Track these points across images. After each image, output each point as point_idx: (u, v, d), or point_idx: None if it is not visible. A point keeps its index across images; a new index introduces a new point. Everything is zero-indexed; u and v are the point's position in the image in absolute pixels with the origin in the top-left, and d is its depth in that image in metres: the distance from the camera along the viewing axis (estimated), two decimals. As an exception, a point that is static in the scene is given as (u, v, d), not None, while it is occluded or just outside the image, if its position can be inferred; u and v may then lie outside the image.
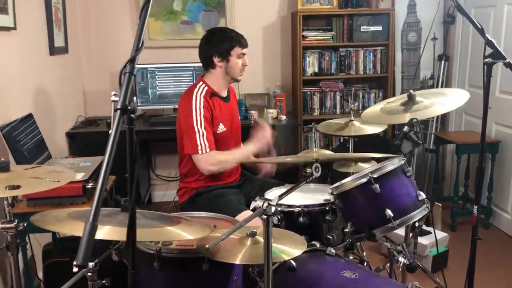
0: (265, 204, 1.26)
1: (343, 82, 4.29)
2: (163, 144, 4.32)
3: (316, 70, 4.21)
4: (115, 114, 1.01)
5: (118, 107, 0.99)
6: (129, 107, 1.00)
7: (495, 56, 1.74)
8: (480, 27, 1.76)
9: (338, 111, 4.29)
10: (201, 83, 2.48)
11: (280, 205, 2.17)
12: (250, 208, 1.30)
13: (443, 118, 4.31)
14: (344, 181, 1.96)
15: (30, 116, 2.51)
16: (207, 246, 1.20)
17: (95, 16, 4.07)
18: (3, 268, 2.37)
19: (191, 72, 3.93)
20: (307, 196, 2.30)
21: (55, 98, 3.30)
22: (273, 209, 1.25)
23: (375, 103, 4.29)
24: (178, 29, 4.11)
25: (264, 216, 1.27)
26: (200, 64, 3.80)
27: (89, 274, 1.43)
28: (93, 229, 0.86)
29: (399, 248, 2.04)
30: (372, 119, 2.33)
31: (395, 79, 4.25)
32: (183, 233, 1.56)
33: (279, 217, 2.17)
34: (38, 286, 2.65)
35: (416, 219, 1.90)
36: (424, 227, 3.14)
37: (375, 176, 1.87)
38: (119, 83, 1.07)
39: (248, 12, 4.19)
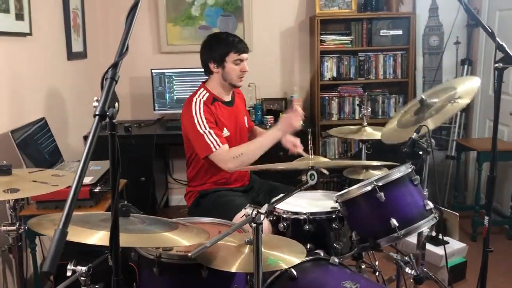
0: (254, 212, 1.23)
1: (362, 87, 4.22)
2: (180, 148, 4.31)
3: (335, 75, 4.15)
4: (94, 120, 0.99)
5: (96, 113, 0.98)
6: (107, 113, 0.98)
7: (506, 60, 1.67)
8: (490, 30, 1.70)
9: (357, 116, 4.22)
10: (202, 89, 2.46)
11: (286, 212, 2.14)
12: (240, 216, 1.26)
13: (466, 125, 4.19)
14: (349, 188, 1.92)
15: (42, 119, 2.55)
16: (189, 254, 1.18)
17: (114, 21, 4.12)
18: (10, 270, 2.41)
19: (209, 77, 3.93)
20: (315, 203, 2.26)
21: (73, 102, 3.36)
22: (262, 217, 1.23)
23: (395, 108, 4.21)
24: (196, 34, 4.13)
25: (254, 224, 1.25)
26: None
27: (82, 278, 1.43)
28: (62, 236, 0.85)
29: (406, 258, 1.97)
30: (392, 137, 2.25)
31: (416, 84, 4.15)
32: (179, 240, 1.55)
33: (285, 224, 2.15)
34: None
35: (423, 229, 1.84)
36: (440, 236, 3.04)
37: (380, 184, 1.82)
38: (101, 88, 1.06)
39: (266, 16, 4.18)
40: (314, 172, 1.39)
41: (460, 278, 2.94)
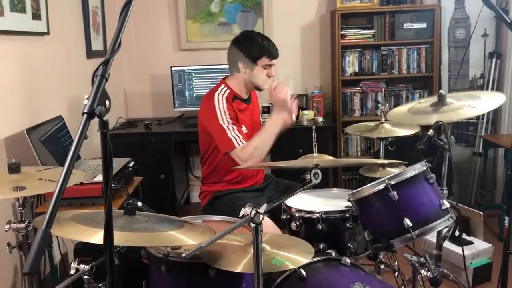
0: (253, 212, 1.20)
1: (385, 82, 4.12)
2: (201, 145, 4.34)
3: (357, 70, 4.07)
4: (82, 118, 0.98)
5: (85, 111, 0.97)
6: (96, 112, 0.97)
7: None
8: (509, 21, 1.61)
9: (380, 112, 4.11)
10: (222, 85, 2.44)
11: (299, 210, 2.10)
12: (240, 215, 1.23)
13: (495, 120, 4.03)
14: (361, 187, 1.86)
15: (59, 118, 2.58)
16: (183, 254, 1.15)
17: (135, 20, 4.15)
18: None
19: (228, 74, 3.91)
20: (329, 202, 2.21)
21: (92, 100, 3.39)
22: (261, 217, 1.19)
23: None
24: (215, 30, 4.12)
25: (253, 225, 1.21)
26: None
27: (86, 277, 1.43)
28: (45, 237, 0.84)
29: (422, 260, 1.90)
30: (398, 118, 2.21)
31: (441, 78, 4.02)
32: (184, 238, 1.53)
33: (297, 223, 2.11)
34: (68, 286, 2.72)
35: (438, 229, 1.77)
36: (465, 236, 2.94)
37: (393, 182, 1.76)
38: (91, 85, 1.05)
39: (286, 12, 4.12)
40: (318, 171, 1.35)
41: (485, 279, 2.83)
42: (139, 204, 2.00)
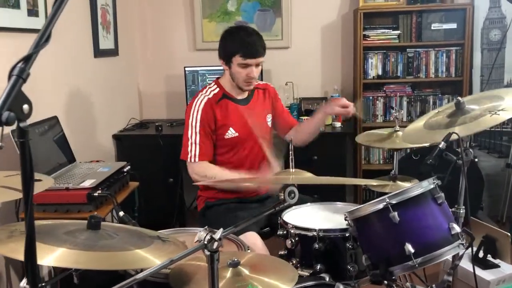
0: (207, 237, 1.02)
1: (411, 86, 3.85)
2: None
3: (380, 73, 3.82)
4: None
5: (-12, 116, 0.81)
6: (1, 118, 0.81)
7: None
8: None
9: (405, 118, 3.85)
10: (212, 84, 2.29)
11: (294, 227, 1.91)
12: (195, 241, 1.06)
13: (531, 129, 3.70)
14: (360, 205, 1.66)
15: (54, 118, 2.48)
16: (134, 277, 0.99)
17: (151, 19, 4.05)
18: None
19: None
20: (330, 218, 2.01)
21: (100, 100, 3.30)
22: (215, 244, 1.01)
23: (448, 110, 3.79)
24: (232, 30, 3.95)
25: (207, 253, 1.04)
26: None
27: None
28: None
29: (429, 290, 1.67)
30: (413, 137, 1.96)
31: (472, 83, 3.72)
32: (148, 259, 1.36)
33: (293, 240, 1.92)
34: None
35: (445, 258, 1.54)
36: (490, 258, 2.66)
37: (394, 202, 1.55)
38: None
39: (306, 10, 3.92)
40: (295, 189, 1.16)
41: (511, 308, 2.55)
42: (121, 214, 1.87)
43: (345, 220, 1.69)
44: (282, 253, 2.00)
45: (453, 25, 3.63)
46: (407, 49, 3.76)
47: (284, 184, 1.16)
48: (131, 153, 3.55)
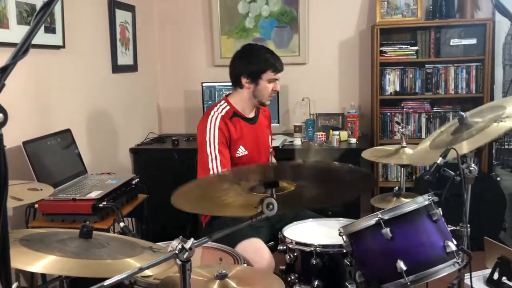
0: (179, 247, 1.03)
1: (429, 102, 3.78)
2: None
3: (398, 89, 3.77)
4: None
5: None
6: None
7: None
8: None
9: (423, 135, 3.79)
10: (222, 102, 2.32)
11: (293, 242, 1.90)
12: (168, 250, 1.07)
13: (557, 148, 3.56)
14: (354, 221, 1.63)
15: (67, 131, 2.55)
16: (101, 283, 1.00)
17: (171, 35, 4.15)
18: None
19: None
20: (331, 234, 1.98)
21: (117, 114, 3.38)
22: (186, 254, 1.02)
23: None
24: (249, 46, 4.00)
25: (179, 262, 1.05)
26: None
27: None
28: None
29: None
30: (420, 158, 1.94)
31: (494, 99, 3.62)
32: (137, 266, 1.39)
33: (292, 255, 1.91)
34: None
35: (439, 276, 1.49)
36: (505, 281, 2.55)
37: (386, 217, 1.52)
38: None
39: (323, 26, 3.93)
40: (273, 201, 1.16)
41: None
42: (122, 224, 1.90)
43: (339, 235, 1.67)
44: (282, 268, 1.99)
45: (473, 41, 3.57)
46: (426, 65, 3.72)
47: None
48: (147, 166, 3.62)
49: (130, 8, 3.56)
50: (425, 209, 1.55)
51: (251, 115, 2.36)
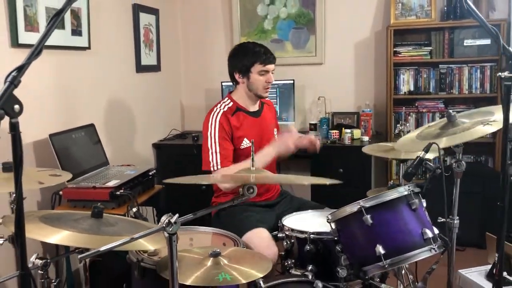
0: (166, 221, 1.20)
1: (443, 102, 3.84)
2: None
3: (412, 88, 3.85)
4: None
5: (-18, 113, 1.04)
6: (-5, 114, 1.04)
7: (513, 68, 1.41)
8: (494, 32, 1.45)
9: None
10: (226, 99, 2.48)
11: (290, 229, 2.04)
12: (158, 225, 1.24)
13: None
14: (339, 208, 1.77)
15: (91, 126, 2.78)
16: (78, 256, 1.18)
17: (194, 37, 4.35)
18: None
19: (275, 90, 3.92)
20: (326, 223, 2.11)
21: (140, 111, 3.61)
22: (172, 227, 1.19)
23: (482, 126, 3.74)
24: (268, 47, 4.13)
25: (166, 234, 1.22)
26: (286, 82, 3.68)
27: (40, 272, 1.52)
28: None
29: (405, 293, 1.74)
30: (407, 146, 2.05)
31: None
32: (141, 243, 1.56)
33: (288, 242, 2.05)
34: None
35: (415, 260, 1.60)
36: (505, 275, 2.61)
37: (367, 205, 1.65)
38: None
39: (339, 28, 4.04)
40: (253, 186, 1.31)
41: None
42: (134, 210, 2.10)
43: (327, 222, 1.80)
44: (281, 253, 2.14)
45: (487, 41, 3.61)
46: (440, 65, 3.78)
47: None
48: (168, 161, 3.83)
49: (154, 12, 3.78)
50: (405, 199, 1.67)
51: (255, 108, 2.50)
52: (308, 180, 1.60)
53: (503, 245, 1.53)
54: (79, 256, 1.15)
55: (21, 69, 1.15)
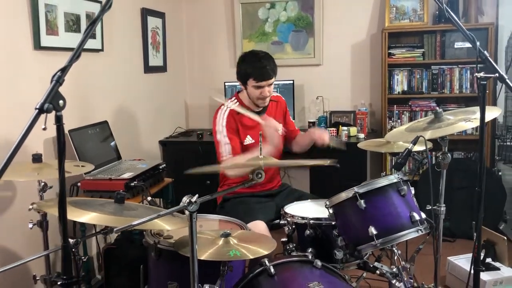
0: (187, 201, 1.39)
1: (435, 101, 4.05)
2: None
3: (405, 88, 4.05)
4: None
5: (37, 107, 1.24)
6: (45, 109, 1.24)
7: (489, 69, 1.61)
8: (471, 37, 1.65)
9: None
10: (233, 98, 2.67)
11: (291, 215, 2.24)
12: (179, 205, 1.44)
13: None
14: (337, 194, 1.96)
15: (105, 123, 2.97)
16: (115, 229, 1.38)
17: (198, 40, 4.55)
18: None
19: (276, 90, 4.12)
20: (324, 210, 2.30)
21: (148, 109, 3.81)
22: (192, 206, 1.39)
23: (472, 124, 3.95)
24: (268, 49, 4.36)
25: (187, 212, 1.41)
26: (286, 82, 3.93)
27: (73, 250, 1.71)
28: None
29: (395, 270, 1.94)
30: (396, 137, 2.26)
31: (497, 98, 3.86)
32: (158, 224, 1.76)
33: (289, 228, 2.25)
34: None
35: (403, 240, 1.81)
36: (490, 261, 2.82)
37: (361, 191, 1.85)
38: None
39: (337, 31, 4.25)
40: (261, 171, 1.51)
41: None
42: (149, 198, 2.32)
43: (325, 207, 2.00)
44: (283, 239, 2.33)
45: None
46: (432, 66, 3.98)
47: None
48: (174, 156, 4.02)
49: (161, 15, 3.98)
50: (395, 185, 1.87)
51: (259, 108, 2.69)
52: (309, 162, 1.78)
53: (480, 226, 1.73)
54: (115, 229, 1.34)
55: (64, 70, 1.35)
